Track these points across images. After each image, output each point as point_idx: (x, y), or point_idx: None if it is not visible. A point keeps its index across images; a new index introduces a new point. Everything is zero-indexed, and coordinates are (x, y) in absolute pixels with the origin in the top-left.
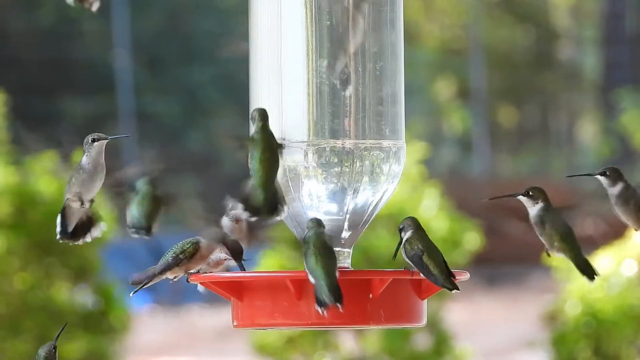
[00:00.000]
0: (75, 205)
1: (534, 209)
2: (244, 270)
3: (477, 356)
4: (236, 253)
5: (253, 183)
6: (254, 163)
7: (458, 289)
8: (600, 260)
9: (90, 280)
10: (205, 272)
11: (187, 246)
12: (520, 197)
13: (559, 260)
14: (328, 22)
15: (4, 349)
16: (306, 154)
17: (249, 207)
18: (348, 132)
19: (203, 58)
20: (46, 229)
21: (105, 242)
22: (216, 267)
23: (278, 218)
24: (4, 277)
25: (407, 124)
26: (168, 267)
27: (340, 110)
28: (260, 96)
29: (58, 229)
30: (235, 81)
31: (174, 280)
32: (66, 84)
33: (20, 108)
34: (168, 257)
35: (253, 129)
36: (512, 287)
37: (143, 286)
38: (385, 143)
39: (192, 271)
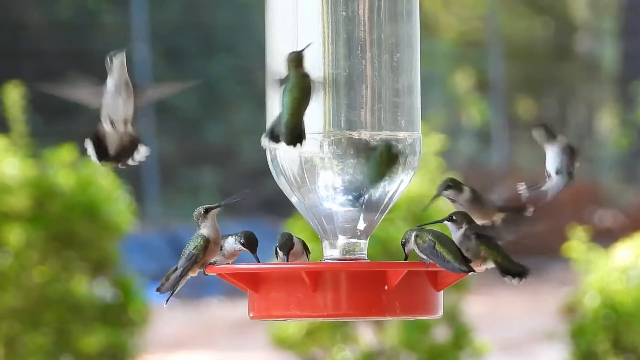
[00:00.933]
0: (107, 127)
1: (457, 233)
2: (259, 261)
3: (496, 349)
4: (252, 244)
5: (281, 114)
6: (284, 97)
7: (474, 271)
8: (619, 252)
9: (109, 273)
10: (222, 264)
11: (198, 240)
12: (446, 222)
13: (579, 252)
14: (344, 13)
15: (23, 342)
16: (322, 145)
17: (272, 136)
18: (364, 124)
19: (221, 50)
20: (65, 221)
21: (124, 234)
22: (232, 258)
23: (298, 146)
24: (23, 270)
25: (426, 116)
26: (187, 268)
27: (356, 101)
28: (277, 88)
29: (93, 154)
30: (254, 73)
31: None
32: (85, 77)
33: (39, 100)
34: (183, 258)
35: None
36: (532, 279)
37: (172, 294)
38: (401, 134)
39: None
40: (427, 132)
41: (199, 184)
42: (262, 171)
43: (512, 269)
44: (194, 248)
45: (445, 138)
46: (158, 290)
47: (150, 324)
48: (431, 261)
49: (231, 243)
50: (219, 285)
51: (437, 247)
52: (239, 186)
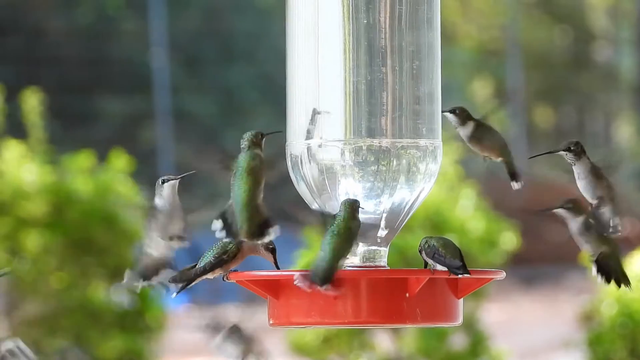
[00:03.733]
0: (155, 251)
1: (575, 222)
2: (279, 268)
3: (513, 356)
4: (271, 251)
5: (233, 205)
6: (234, 186)
7: (468, 274)
8: (636, 261)
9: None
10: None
11: (230, 246)
12: (559, 211)
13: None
14: (365, 21)
15: (41, 348)
16: (343, 153)
17: (227, 230)
18: (385, 131)
19: (240, 57)
20: (83, 228)
21: (141, 241)
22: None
23: (263, 240)
24: (41, 276)
25: (445, 124)
26: (211, 268)
27: (377, 109)
28: (298, 95)
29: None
30: (272, 80)
31: (212, 279)
32: (103, 83)
33: (57, 107)
34: (210, 257)
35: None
36: (549, 287)
37: (184, 288)
38: (422, 142)
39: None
40: (445, 140)
41: (217, 191)
42: (280, 178)
43: (617, 274)
44: (225, 253)
45: (464, 146)
46: (172, 280)
47: (167, 330)
48: (436, 268)
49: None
50: (236, 291)
51: (441, 249)
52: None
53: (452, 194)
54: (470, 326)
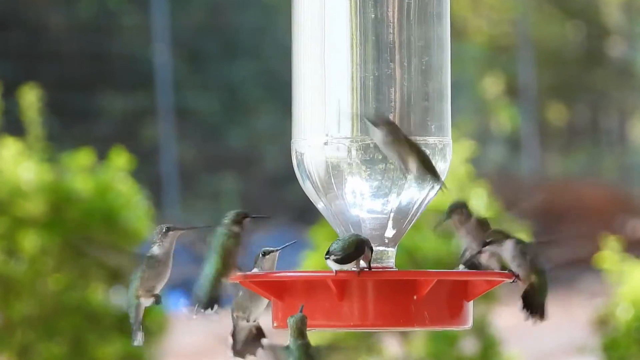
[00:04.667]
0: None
1: (507, 245)
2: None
3: None
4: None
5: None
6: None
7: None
8: None
9: (126, 282)
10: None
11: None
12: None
13: (611, 262)
14: (373, 16)
15: (39, 351)
16: (350, 150)
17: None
18: None
19: (244, 54)
20: (82, 228)
21: (142, 241)
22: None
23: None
24: (38, 277)
25: (455, 122)
26: None
27: (385, 105)
28: (304, 92)
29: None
30: (277, 77)
31: None
32: (104, 79)
33: (57, 103)
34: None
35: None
36: (563, 290)
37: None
38: (431, 139)
39: None
40: (456, 138)
41: (220, 189)
42: (284, 177)
43: (535, 306)
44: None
45: (475, 144)
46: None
47: (168, 334)
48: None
49: None
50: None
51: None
52: (261, 192)
53: (463, 193)
54: (481, 330)
